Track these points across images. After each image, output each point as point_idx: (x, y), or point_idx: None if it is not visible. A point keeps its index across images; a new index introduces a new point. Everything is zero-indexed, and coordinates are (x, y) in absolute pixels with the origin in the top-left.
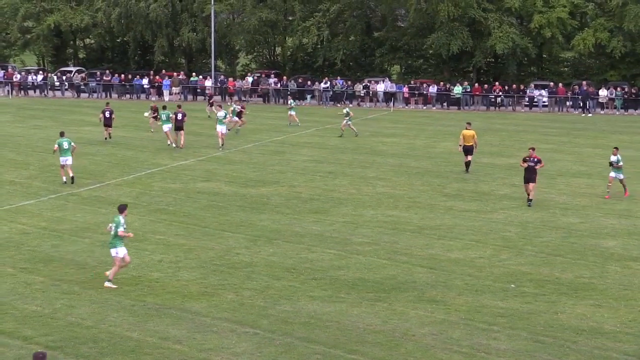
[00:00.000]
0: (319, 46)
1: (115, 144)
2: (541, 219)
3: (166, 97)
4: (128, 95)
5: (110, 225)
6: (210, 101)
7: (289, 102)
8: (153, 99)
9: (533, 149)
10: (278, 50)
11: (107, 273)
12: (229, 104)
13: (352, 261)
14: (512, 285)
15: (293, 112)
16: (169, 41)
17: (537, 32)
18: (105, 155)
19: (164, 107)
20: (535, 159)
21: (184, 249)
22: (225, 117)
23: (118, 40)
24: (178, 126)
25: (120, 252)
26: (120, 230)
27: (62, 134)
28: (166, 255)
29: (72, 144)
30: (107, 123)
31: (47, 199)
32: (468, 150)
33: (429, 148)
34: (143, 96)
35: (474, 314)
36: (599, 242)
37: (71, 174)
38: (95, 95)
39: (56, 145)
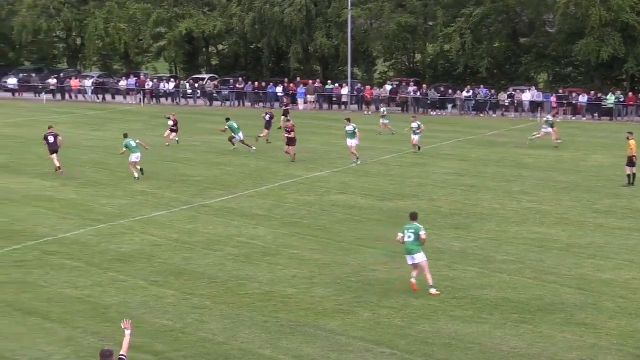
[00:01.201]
0: (460, 53)
1: (247, 154)
2: None
3: (300, 106)
4: (262, 104)
5: (400, 234)
6: (286, 108)
7: (381, 110)
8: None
9: None
10: (418, 57)
11: (432, 289)
12: (383, 110)
13: (495, 280)
14: None
15: (386, 121)
16: (303, 47)
17: None
18: (237, 165)
19: (228, 119)
20: None
21: (318, 264)
22: (354, 131)
23: (252, 47)
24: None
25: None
26: (423, 232)
27: (125, 136)
28: (300, 270)
29: (138, 141)
30: (267, 126)
31: (179, 210)
32: (633, 162)
33: (579, 161)
34: (277, 105)
35: (627, 339)
36: None
37: (139, 168)
38: (228, 103)
39: (124, 148)
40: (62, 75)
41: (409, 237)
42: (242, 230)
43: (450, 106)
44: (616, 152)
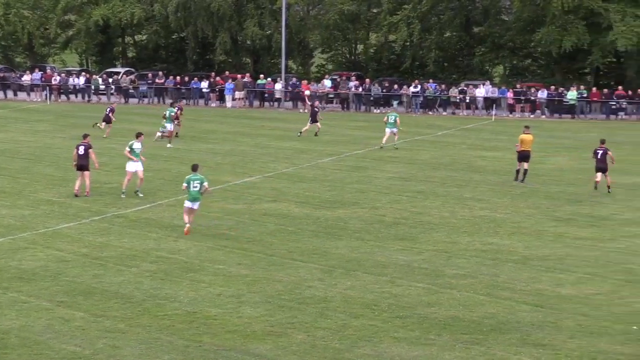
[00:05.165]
0: (407, 44)
1: (168, 157)
2: None
3: (228, 103)
4: (184, 101)
5: (185, 184)
6: (314, 106)
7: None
8: (213, 104)
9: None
10: (359, 48)
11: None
12: (303, 110)
13: (444, 297)
14: (635, 327)
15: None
16: (232, 37)
17: None
18: (156, 170)
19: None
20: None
21: (247, 281)
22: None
23: (174, 37)
24: None
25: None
26: (206, 183)
27: None
28: (226, 288)
29: None
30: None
31: (89, 222)
32: (525, 157)
33: (537, 164)
34: (202, 102)
35: None
36: None
37: None
38: (146, 100)
39: None
40: None
41: (195, 187)
42: (161, 244)
43: (395, 103)
44: (578, 154)
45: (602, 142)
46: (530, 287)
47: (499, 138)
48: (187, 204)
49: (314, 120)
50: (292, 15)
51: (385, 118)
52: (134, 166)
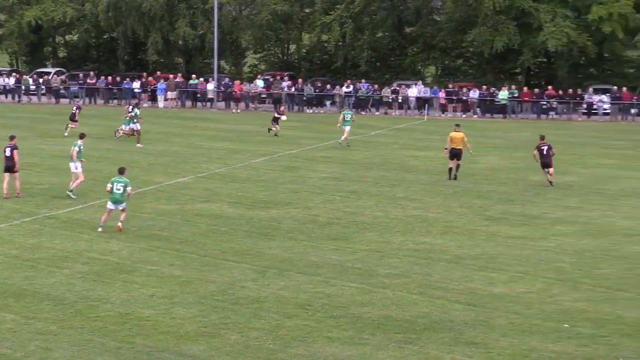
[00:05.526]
0: (340, 44)
1: (100, 158)
2: (601, 247)
3: (160, 104)
4: (116, 101)
5: (109, 185)
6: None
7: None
8: (145, 105)
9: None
10: (292, 48)
11: (120, 226)
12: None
13: (377, 296)
14: (566, 325)
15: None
16: (163, 37)
17: (596, 27)
18: (89, 171)
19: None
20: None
21: (179, 282)
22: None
23: (105, 37)
24: None
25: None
26: (130, 188)
27: None
28: (159, 289)
29: None
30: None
31: (20, 223)
32: (456, 155)
33: (469, 164)
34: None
35: (521, 359)
36: None
37: None
38: (77, 100)
39: None
40: None
41: (118, 189)
42: (93, 245)
43: (328, 103)
44: (510, 154)
45: (542, 137)
46: (463, 286)
47: (431, 138)
48: (110, 205)
49: (275, 122)
50: (225, 15)
51: (341, 117)
52: (80, 167)
